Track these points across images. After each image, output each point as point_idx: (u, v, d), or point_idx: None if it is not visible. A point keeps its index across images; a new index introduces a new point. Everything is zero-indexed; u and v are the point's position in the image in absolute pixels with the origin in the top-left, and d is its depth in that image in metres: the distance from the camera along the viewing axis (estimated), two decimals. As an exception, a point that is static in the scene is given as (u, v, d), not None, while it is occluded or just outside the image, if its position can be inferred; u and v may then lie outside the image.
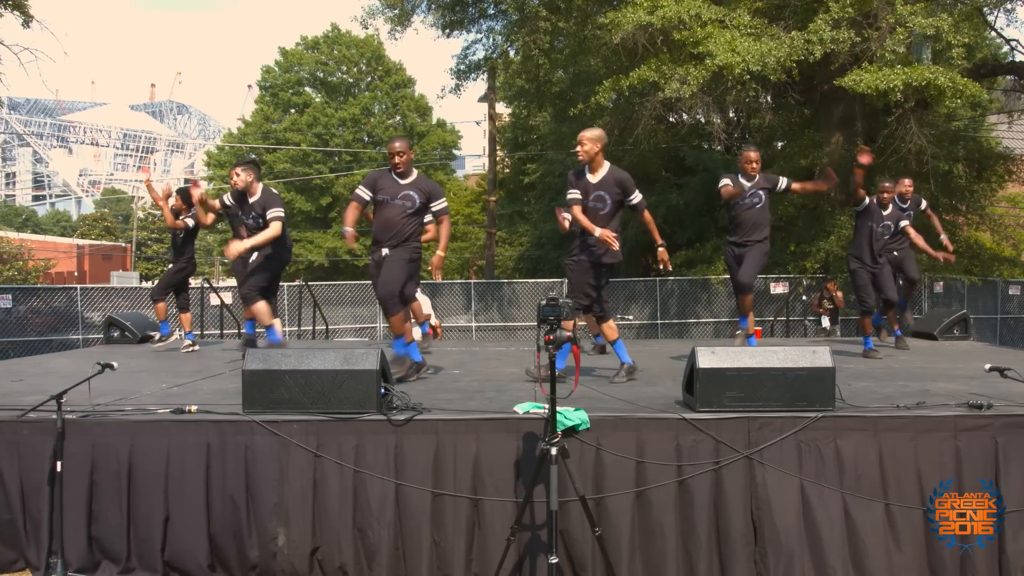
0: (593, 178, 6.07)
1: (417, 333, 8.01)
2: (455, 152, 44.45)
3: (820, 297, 15.18)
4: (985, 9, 14.98)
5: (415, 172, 6.27)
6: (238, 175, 7.22)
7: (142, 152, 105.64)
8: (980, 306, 16.47)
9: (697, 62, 13.00)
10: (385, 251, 6.18)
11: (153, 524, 4.53)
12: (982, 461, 4.47)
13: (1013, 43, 17.12)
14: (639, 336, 17.12)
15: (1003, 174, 18.80)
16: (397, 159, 6.11)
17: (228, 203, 7.57)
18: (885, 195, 8.33)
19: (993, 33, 17.42)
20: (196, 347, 8.75)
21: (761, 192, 7.31)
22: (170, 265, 8.92)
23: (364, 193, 6.18)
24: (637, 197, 6.14)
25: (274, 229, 7.10)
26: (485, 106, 24.16)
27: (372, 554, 4.43)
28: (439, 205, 6.25)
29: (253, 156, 7.79)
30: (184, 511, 4.52)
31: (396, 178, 6.16)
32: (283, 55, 40.35)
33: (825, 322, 14.87)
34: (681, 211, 20.20)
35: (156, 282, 9.01)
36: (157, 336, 8.95)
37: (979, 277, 16.76)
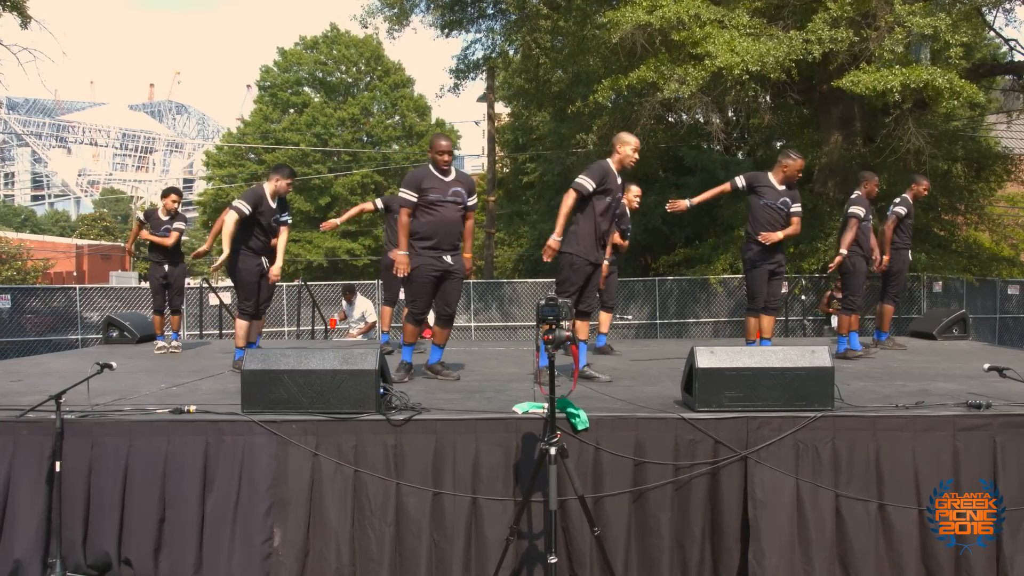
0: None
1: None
2: (454, 152, 44.42)
3: (830, 296, 15.13)
4: (984, 9, 14.97)
5: (454, 170, 6.14)
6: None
7: (141, 152, 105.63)
8: (979, 306, 16.47)
9: (696, 62, 12.99)
10: (449, 259, 6.03)
11: (152, 524, 4.53)
12: (980, 461, 4.48)
13: (1012, 43, 17.12)
14: (638, 336, 17.12)
15: (1002, 174, 18.79)
16: (447, 157, 5.99)
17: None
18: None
19: (992, 33, 17.42)
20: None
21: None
22: (170, 270, 8.93)
23: (411, 195, 5.94)
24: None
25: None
26: (484, 106, 24.16)
27: (371, 554, 4.43)
28: (472, 200, 6.14)
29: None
30: (182, 511, 4.53)
31: (441, 175, 6.00)
32: (282, 55, 40.31)
33: (834, 322, 14.78)
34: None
35: (175, 293, 9.01)
36: (174, 343, 8.92)
37: (977, 277, 16.74)
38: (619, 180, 6.13)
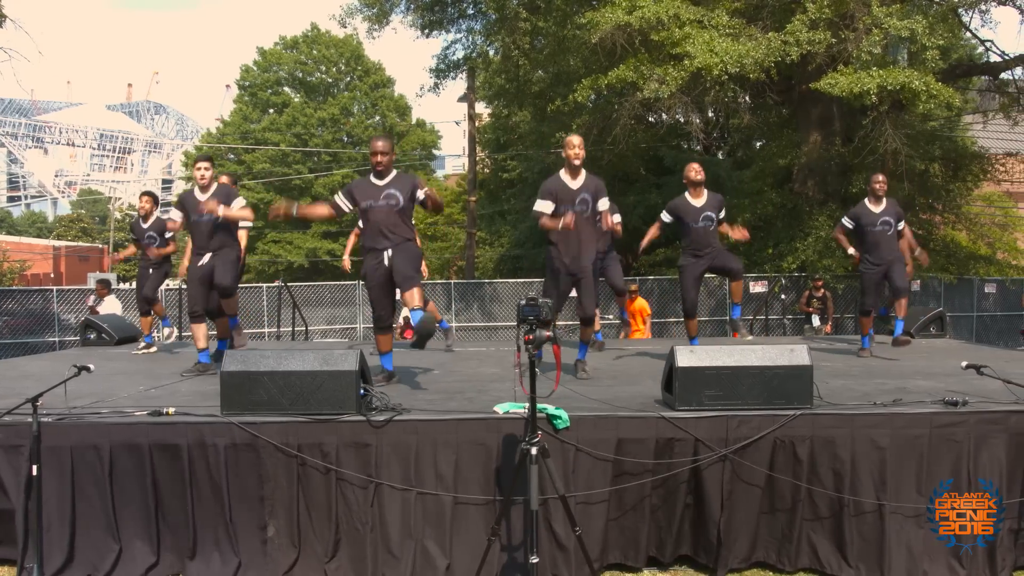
0: (574, 182, 6.14)
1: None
2: (435, 152, 44.39)
3: (809, 296, 15.21)
4: (960, 10, 15.11)
5: (394, 171, 5.90)
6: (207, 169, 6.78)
7: (119, 152, 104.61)
8: (956, 304, 16.65)
9: (676, 62, 13.04)
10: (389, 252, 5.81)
11: (131, 527, 4.50)
12: (956, 457, 4.53)
13: (988, 44, 17.33)
14: (619, 335, 17.14)
15: (978, 173, 19.02)
16: (380, 158, 5.78)
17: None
18: (878, 185, 7.77)
19: (968, 34, 17.59)
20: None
21: None
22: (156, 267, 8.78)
23: (344, 203, 5.87)
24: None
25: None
26: (465, 106, 24.11)
27: (354, 554, 4.42)
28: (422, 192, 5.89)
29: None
30: (163, 514, 4.49)
31: (375, 180, 5.85)
32: (262, 55, 40.12)
33: (815, 321, 14.85)
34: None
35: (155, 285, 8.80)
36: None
37: (955, 275, 16.93)
38: (574, 184, 6.14)
